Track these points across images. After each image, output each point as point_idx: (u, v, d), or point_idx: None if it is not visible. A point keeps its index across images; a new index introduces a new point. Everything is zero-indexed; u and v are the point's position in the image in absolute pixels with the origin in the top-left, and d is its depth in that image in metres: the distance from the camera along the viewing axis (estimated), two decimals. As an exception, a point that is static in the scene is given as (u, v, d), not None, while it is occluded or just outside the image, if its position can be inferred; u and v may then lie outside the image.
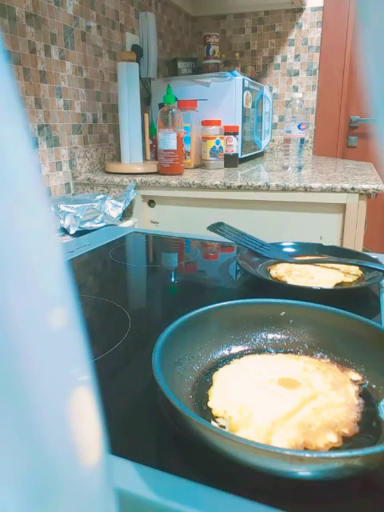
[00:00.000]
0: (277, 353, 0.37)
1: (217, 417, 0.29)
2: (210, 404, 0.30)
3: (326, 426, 0.27)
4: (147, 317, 0.48)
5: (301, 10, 1.76)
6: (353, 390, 0.31)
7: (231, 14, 1.85)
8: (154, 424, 0.30)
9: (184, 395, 0.31)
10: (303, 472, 0.23)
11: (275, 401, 0.30)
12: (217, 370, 0.34)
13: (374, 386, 0.32)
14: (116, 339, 0.41)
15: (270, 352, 0.37)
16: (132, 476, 0.25)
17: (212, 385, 0.32)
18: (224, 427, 0.28)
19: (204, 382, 0.33)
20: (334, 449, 0.26)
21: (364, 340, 0.35)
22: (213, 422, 0.29)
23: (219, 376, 0.33)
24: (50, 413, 0.11)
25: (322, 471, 0.23)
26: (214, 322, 0.38)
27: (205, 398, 0.31)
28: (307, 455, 0.22)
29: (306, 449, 0.26)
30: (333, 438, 0.27)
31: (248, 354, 0.37)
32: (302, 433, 0.27)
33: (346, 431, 0.27)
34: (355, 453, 0.22)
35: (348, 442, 0.27)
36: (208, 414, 0.29)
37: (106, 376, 0.35)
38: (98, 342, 0.41)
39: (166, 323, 0.34)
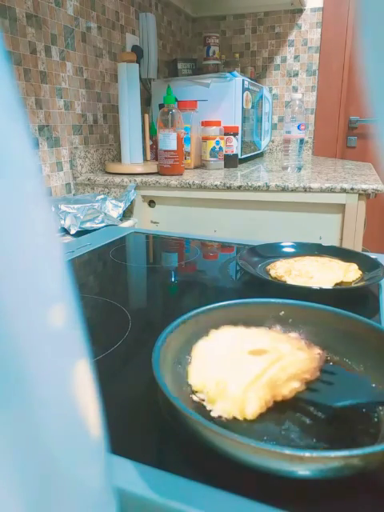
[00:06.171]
0: (249, 326, 0.38)
1: (196, 391, 0.31)
2: (190, 381, 0.32)
3: (291, 377, 0.30)
4: (147, 316, 0.48)
5: (300, 11, 1.77)
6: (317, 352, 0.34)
7: (231, 14, 1.85)
8: (154, 423, 0.30)
9: (184, 394, 0.31)
10: (303, 471, 0.23)
11: (247, 369, 0.32)
12: (194, 346, 0.35)
13: (373, 385, 0.32)
14: (116, 339, 0.41)
15: (245, 324, 0.39)
16: (132, 475, 0.25)
17: (191, 362, 0.34)
18: (204, 400, 0.30)
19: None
20: (298, 393, 0.29)
21: (363, 340, 0.35)
22: (194, 396, 0.31)
23: (197, 354, 0.34)
24: (50, 412, 0.11)
25: (322, 470, 0.23)
26: (214, 321, 0.38)
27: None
28: (307, 454, 0.22)
29: (274, 402, 0.28)
30: (296, 384, 0.30)
31: (223, 326, 0.38)
32: (270, 388, 0.29)
33: (308, 376, 0.30)
34: (355, 452, 0.22)
35: (310, 385, 0.30)
36: (189, 390, 0.31)
37: (106, 375, 0.35)
38: (99, 341, 0.41)
39: (166, 323, 0.34)
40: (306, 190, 0.92)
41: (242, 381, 0.30)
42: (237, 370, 0.32)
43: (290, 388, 0.29)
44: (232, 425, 0.28)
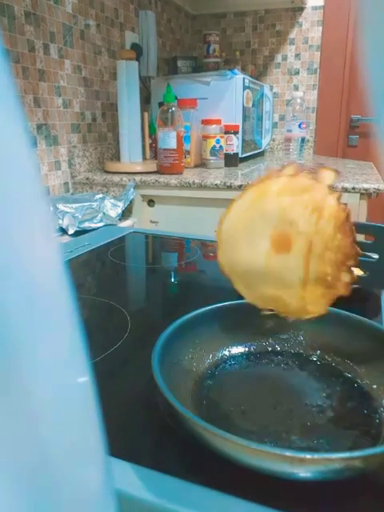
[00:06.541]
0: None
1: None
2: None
3: (337, 267, 0.28)
4: (147, 317, 0.48)
5: (301, 9, 1.76)
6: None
7: (231, 12, 1.85)
8: (153, 425, 0.30)
9: (183, 396, 0.31)
10: (303, 473, 0.23)
11: (287, 272, 0.29)
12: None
13: (375, 387, 0.32)
14: (116, 340, 0.41)
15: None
16: (131, 477, 0.25)
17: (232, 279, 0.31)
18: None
19: (204, 383, 0.33)
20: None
21: (364, 340, 0.35)
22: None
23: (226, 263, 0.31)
24: (50, 414, 0.11)
25: (323, 472, 0.23)
26: (214, 322, 0.37)
27: (206, 400, 0.31)
28: (308, 456, 0.22)
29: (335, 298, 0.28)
30: (347, 278, 0.28)
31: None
32: (325, 287, 0.28)
33: (352, 262, 0.28)
34: (355, 454, 0.22)
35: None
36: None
37: (106, 376, 0.35)
38: (98, 342, 0.41)
39: (165, 323, 0.34)
40: (306, 188, 0.92)
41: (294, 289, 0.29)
42: (278, 276, 0.29)
43: (344, 285, 0.28)
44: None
